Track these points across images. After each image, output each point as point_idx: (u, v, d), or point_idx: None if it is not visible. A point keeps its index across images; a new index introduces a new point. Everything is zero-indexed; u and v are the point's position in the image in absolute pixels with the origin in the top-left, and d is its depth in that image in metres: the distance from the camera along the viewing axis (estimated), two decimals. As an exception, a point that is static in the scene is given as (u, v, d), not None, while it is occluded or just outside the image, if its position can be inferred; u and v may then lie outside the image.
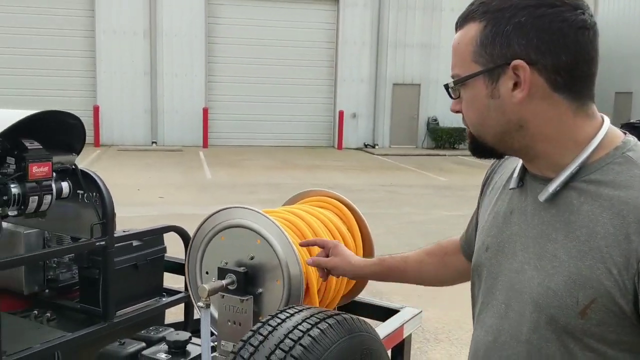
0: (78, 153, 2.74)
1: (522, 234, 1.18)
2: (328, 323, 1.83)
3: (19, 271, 2.92)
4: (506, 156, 1.32)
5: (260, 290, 2.20)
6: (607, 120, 1.15)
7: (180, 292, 3.19)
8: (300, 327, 1.81)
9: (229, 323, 2.18)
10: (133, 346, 2.29)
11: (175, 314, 3.61)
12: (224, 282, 2.14)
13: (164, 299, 3.11)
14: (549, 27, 1.06)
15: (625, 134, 1.14)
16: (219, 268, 2.20)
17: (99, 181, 2.71)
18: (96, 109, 18.19)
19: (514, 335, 1.17)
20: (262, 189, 11.70)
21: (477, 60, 1.12)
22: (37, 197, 2.50)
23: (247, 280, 2.17)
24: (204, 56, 19.17)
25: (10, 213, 2.51)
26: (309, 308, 1.98)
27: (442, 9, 20.63)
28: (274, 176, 13.62)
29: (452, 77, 1.17)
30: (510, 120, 1.12)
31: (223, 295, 2.17)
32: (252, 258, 2.21)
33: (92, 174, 2.74)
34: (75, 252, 2.86)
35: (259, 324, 1.83)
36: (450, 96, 1.19)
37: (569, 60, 1.07)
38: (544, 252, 1.12)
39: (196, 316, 3.23)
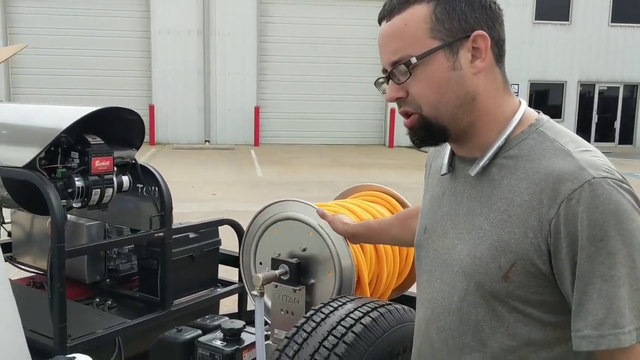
0: (138, 148, 2.84)
1: (453, 213, 1.26)
2: (379, 312, 1.88)
3: (82, 261, 3.06)
4: (437, 148, 1.41)
5: (312, 281, 2.25)
6: (523, 101, 1.24)
7: (234, 283, 3.28)
8: (352, 315, 1.85)
9: (282, 312, 2.24)
10: (190, 333, 2.38)
11: (228, 306, 3.71)
12: (277, 272, 2.20)
13: (218, 290, 3.20)
14: (489, 6, 1.17)
15: (538, 112, 1.22)
16: (272, 259, 2.26)
17: (157, 175, 2.81)
18: (151, 108, 18.62)
19: (446, 306, 1.25)
20: (312, 186, 11.78)
21: (435, 36, 1.15)
22: (99, 190, 2.61)
23: (300, 271, 2.23)
24: (255, 55, 19.38)
25: (74, 205, 2.63)
26: (360, 298, 2.02)
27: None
28: (323, 174, 13.68)
29: (397, 61, 1.17)
30: (467, 92, 1.17)
31: (276, 285, 2.24)
32: (304, 250, 2.26)
33: (151, 168, 2.84)
34: (135, 242, 2.97)
35: (311, 311, 1.88)
36: (395, 82, 1.19)
37: (502, 35, 1.20)
38: (472, 226, 1.20)
39: (249, 307, 3.31)
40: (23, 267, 3.32)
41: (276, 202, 2.36)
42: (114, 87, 18.34)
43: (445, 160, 1.31)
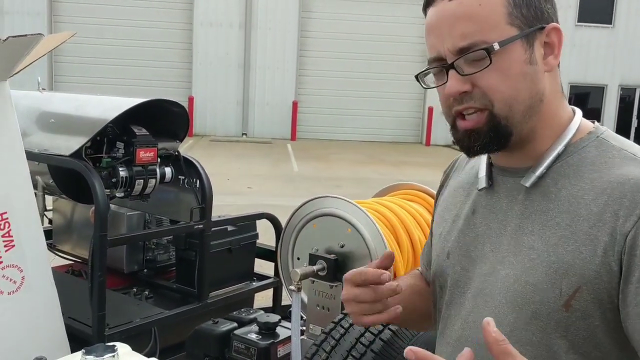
0: (181, 140, 2.88)
1: (493, 234, 1.09)
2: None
3: (121, 250, 3.11)
4: (459, 160, 1.28)
5: (349, 278, 2.25)
6: (577, 109, 1.11)
7: (269, 277, 3.30)
8: (389, 314, 1.85)
9: (318, 308, 2.25)
10: (226, 325, 2.40)
11: (261, 300, 3.73)
12: (314, 267, 2.21)
13: (254, 283, 3.23)
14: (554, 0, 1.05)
15: (593, 122, 1.10)
16: (310, 254, 2.27)
17: (199, 168, 2.84)
18: (191, 100, 18.81)
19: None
20: (347, 183, 11.77)
21: (513, 23, 0.99)
22: (142, 181, 2.65)
23: (337, 267, 2.24)
24: (295, 50, 19.43)
25: (117, 195, 2.68)
26: (397, 297, 2.02)
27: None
28: (360, 171, 13.66)
29: (467, 47, 0.99)
30: (538, 91, 1.02)
31: (313, 281, 2.25)
32: (342, 246, 2.27)
33: (194, 160, 2.87)
34: (175, 234, 3.01)
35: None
36: (459, 73, 1.00)
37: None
38: (520, 247, 1.03)
39: (284, 302, 3.33)
40: (62, 254, 3.39)
41: (316, 198, 2.37)
42: (154, 78, 18.59)
43: (483, 173, 1.13)
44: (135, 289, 3.07)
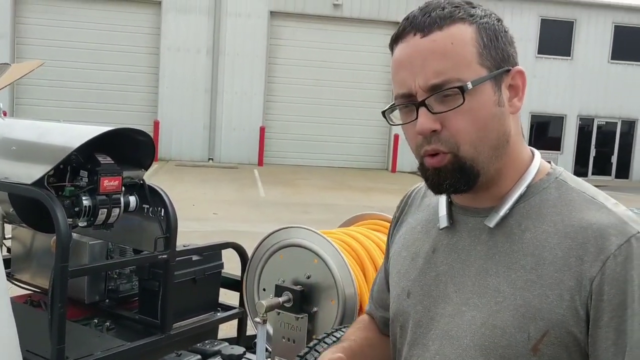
0: (147, 169, 2.85)
1: (455, 274, 1.07)
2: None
3: (82, 281, 3.03)
4: (412, 195, 1.26)
5: (315, 309, 2.25)
6: (535, 149, 1.11)
7: (234, 307, 3.26)
8: (354, 348, 1.84)
9: (284, 340, 2.23)
10: (189, 358, 2.37)
11: (225, 330, 3.68)
12: (280, 299, 2.20)
13: (219, 314, 3.18)
14: (513, 41, 1.05)
15: (549, 162, 1.10)
16: (276, 285, 2.26)
17: (165, 197, 2.81)
18: (156, 124, 18.68)
19: None
20: (315, 209, 11.77)
21: (484, 63, 0.99)
22: (106, 210, 2.61)
23: (303, 299, 2.23)
24: (264, 76, 19.51)
25: (80, 224, 2.63)
26: (363, 330, 2.01)
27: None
28: (327, 197, 13.68)
29: (440, 85, 0.97)
30: (505, 132, 1.02)
31: (279, 312, 2.23)
32: (308, 277, 2.26)
33: (158, 189, 2.84)
34: (139, 264, 2.96)
35: (314, 341, 1.88)
36: (430, 111, 0.99)
37: None
38: (485, 289, 1.02)
39: (249, 332, 3.29)
40: (21, 284, 3.30)
41: (283, 229, 2.37)
42: (119, 102, 18.46)
43: (444, 212, 1.11)
44: (96, 320, 3.00)
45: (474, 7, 1.02)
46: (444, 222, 1.11)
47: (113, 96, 18.48)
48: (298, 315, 2.20)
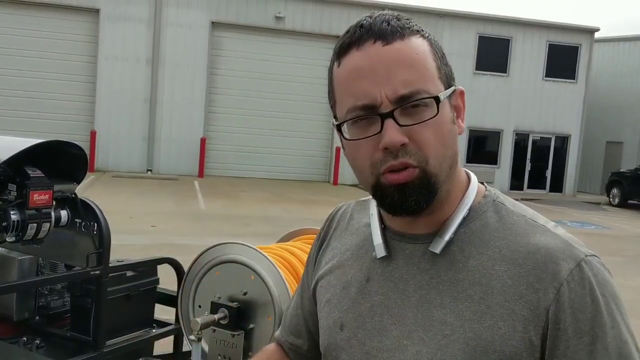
0: (79, 182, 2.78)
1: (391, 305, 1.00)
2: None
3: (10, 297, 2.93)
4: (337, 216, 1.19)
5: (251, 325, 2.23)
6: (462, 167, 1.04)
7: (170, 324, 3.20)
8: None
9: (219, 357, 2.20)
10: (122, 376, 2.31)
11: (162, 345, 3.62)
12: (216, 316, 2.17)
13: (154, 330, 3.12)
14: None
15: (482, 183, 1.05)
16: (212, 302, 2.23)
17: (97, 211, 2.74)
18: (93, 134, 18.26)
19: None
20: (255, 221, 11.71)
21: (441, 79, 0.94)
22: (36, 225, 2.53)
23: (239, 315, 2.21)
24: (205, 87, 19.35)
25: (8, 239, 2.54)
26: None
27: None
28: (268, 209, 13.64)
29: (410, 96, 0.91)
30: (456, 151, 0.98)
31: (214, 330, 2.20)
32: (245, 293, 2.24)
33: (91, 203, 2.77)
34: (70, 280, 2.87)
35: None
36: (398, 123, 0.91)
37: None
38: (430, 321, 0.95)
39: (185, 348, 3.24)
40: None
41: (219, 244, 2.34)
42: (55, 111, 17.99)
43: (380, 240, 1.03)
44: (25, 338, 2.89)
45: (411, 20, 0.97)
46: (380, 252, 1.03)
47: (48, 105, 17.99)
48: (234, 332, 2.17)
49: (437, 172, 0.93)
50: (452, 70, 0.98)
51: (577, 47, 22.48)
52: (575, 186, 23.21)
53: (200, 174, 19.16)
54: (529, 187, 22.52)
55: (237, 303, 2.22)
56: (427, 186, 0.93)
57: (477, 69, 21.53)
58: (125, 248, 6.37)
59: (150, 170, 19.16)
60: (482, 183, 1.05)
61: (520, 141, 22.57)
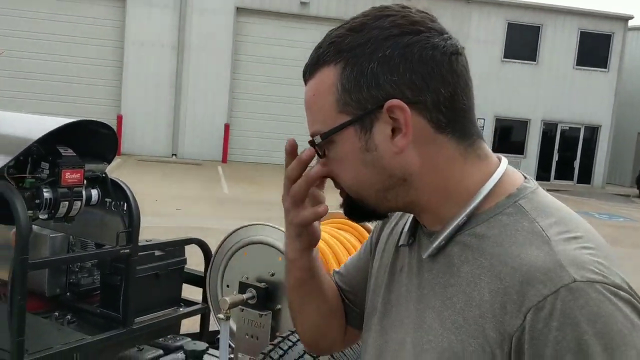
0: (109, 162, 2.81)
1: (408, 298, 0.97)
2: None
3: (42, 273, 2.99)
4: None
5: (278, 306, 2.25)
6: (504, 162, 0.95)
7: (197, 303, 3.24)
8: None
9: (247, 336, 2.23)
10: (151, 353, 2.35)
11: (188, 325, 3.66)
12: (244, 296, 2.20)
13: (181, 309, 3.16)
14: (421, 57, 0.87)
15: (525, 177, 0.95)
16: (240, 282, 2.26)
17: (127, 191, 2.78)
18: (119, 118, 18.43)
19: None
20: (277, 207, 11.52)
21: (343, 110, 0.90)
22: (67, 203, 2.57)
23: (267, 296, 2.23)
24: (229, 72, 19.38)
25: (40, 216, 2.58)
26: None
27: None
28: (290, 195, 13.64)
29: (312, 134, 0.95)
30: (392, 174, 0.90)
31: (242, 309, 2.23)
32: (272, 274, 2.27)
33: (121, 183, 2.81)
34: (100, 258, 2.92)
35: (279, 339, 1.88)
36: (319, 155, 0.96)
37: (448, 93, 0.88)
38: (422, 322, 0.92)
39: (212, 328, 3.28)
40: (-21, 276, 3.23)
41: (248, 225, 2.37)
42: (83, 95, 18.15)
43: (407, 228, 1.01)
44: (57, 313, 2.95)
45: (360, 30, 0.90)
46: (403, 240, 1.02)
47: (76, 89, 18.18)
48: (262, 312, 2.20)
49: (359, 198, 0.95)
50: (394, 78, 0.87)
51: (610, 35, 21.94)
52: (605, 178, 22.80)
53: (224, 159, 19.25)
54: (556, 178, 22.18)
55: (264, 284, 2.25)
56: (356, 207, 0.96)
57: (505, 56, 21.21)
58: (150, 230, 6.43)
59: (175, 155, 19.30)
60: (526, 177, 0.96)
61: (548, 131, 22.22)
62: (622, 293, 0.78)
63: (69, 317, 2.92)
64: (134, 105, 18.83)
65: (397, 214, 1.11)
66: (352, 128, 0.90)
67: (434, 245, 0.92)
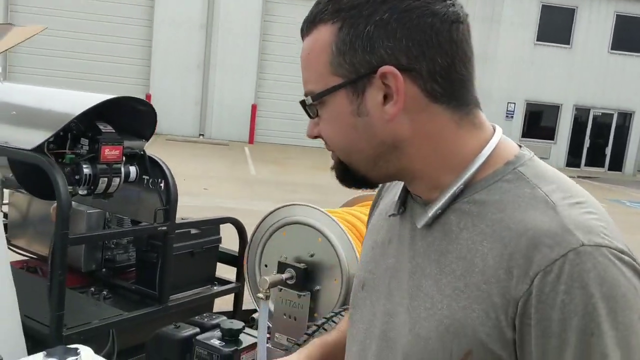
0: (148, 139, 2.81)
1: (398, 268, 0.96)
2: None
3: (79, 248, 3.01)
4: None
5: (317, 287, 2.24)
6: (499, 130, 0.94)
7: (231, 282, 3.25)
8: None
9: (285, 317, 2.22)
10: (188, 330, 2.35)
11: (220, 304, 3.68)
12: (283, 276, 2.19)
13: (215, 288, 3.17)
14: (419, 24, 0.84)
15: (520, 147, 0.95)
16: (279, 262, 2.24)
17: (165, 169, 2.78)
18: (148, 98, 18.50)
19: None
20: (304, 188, 11.76)
21: (336, 72, 0.89)
22: (106, 179, 2.58)
23: (306, 276, 2.22)
24: (257, 53, 19.35)
25: (80, 192, 2.59)
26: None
27: (500, 21, 20.40)
28: (316, 177, 13.64)
29: (306, 94, 0.93)
30: (383, 141, 0.89)
31: (281, 289, 2.22)
32: (312, 255, 2.25)
33: (159, 160, 2.81)
34: (138, 235, 2.93)
35: (323, 319, 1.87)
36: (309, 115, 0.95)
37: (445, 62, 0.86)
38: (418, 291, 0.91)
39: (244, 307, 3.28)
40: (17, 250, 3.27)
41: (287, 205, 2.35)
42: (111, 73, 18.26)
43: (397, 198, 1.00)
44: (93, 289, 2.98)
45: None
46: (392, 209, 1.00)
47: (105, 68, 18.27)
48: (300, 293, 2.19)
49: (349, 162, 0.94)
50: (390, 44, 0.85)
51: (647, 18, 21.51)
52: (637, 165, 22.35)
53: (251, 140, 19.29)
54: (586, 165, 21.79)
55: (304, 264, 2.23)
56: (347, 171, 0.95)
57: (538, 39, 20.80)
58: (180, 209, 6.48)
59: (202, 135, 19.38)
60: (521, 146, 0.95)
61: (580, 116, 21.82)
62: (626, 258, 0.79)
63: (105, 292, 2.94)
64: (163, 85, 18.92)
65: (390, 185, 1.12)
66: (344, 91, 0.89)
67: (430, 214, 0.90)
